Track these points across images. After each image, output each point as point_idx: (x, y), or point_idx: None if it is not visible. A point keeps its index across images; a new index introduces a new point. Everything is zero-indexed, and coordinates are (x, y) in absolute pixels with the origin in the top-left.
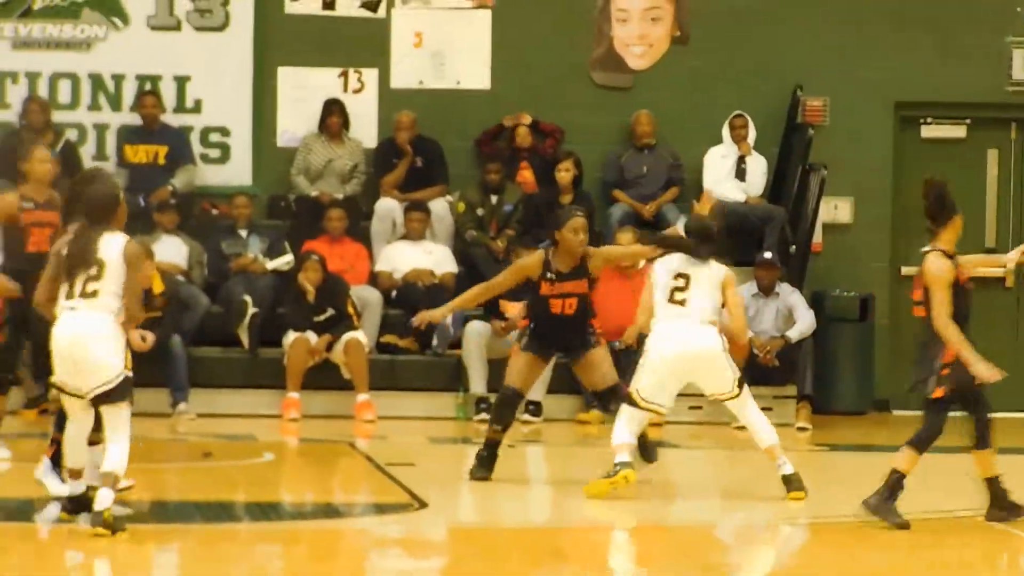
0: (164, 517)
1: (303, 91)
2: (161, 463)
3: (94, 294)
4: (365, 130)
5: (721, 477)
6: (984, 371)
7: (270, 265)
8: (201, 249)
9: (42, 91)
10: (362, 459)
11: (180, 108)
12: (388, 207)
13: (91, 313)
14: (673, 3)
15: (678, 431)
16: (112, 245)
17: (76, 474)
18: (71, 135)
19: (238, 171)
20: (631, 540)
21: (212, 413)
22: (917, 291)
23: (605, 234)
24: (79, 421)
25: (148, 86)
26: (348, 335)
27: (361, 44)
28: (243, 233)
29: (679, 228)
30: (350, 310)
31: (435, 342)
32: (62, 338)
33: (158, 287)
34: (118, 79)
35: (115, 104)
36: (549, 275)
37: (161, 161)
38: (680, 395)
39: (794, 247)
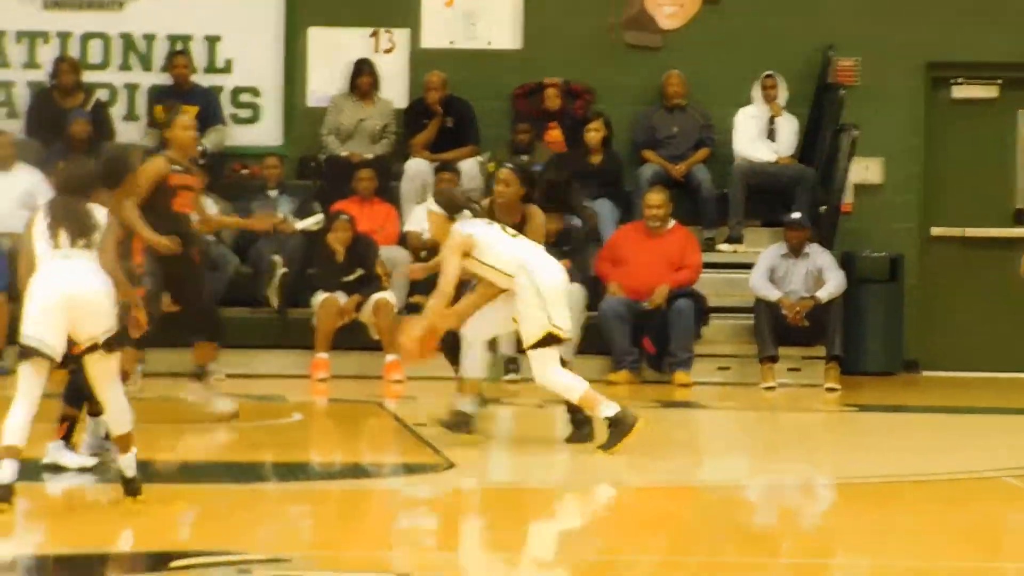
0: (192, 478)
1: (334, 51)
2: (189, 423)
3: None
4: (395, 90)
5: (749, 438)
6: None
7: (299, 225)
8: (231, 209)
9: (73, 51)
10: (391, 419)
11: (211, 68)
12: (418, 167)
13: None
14: None
15: (706, 392)
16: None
17: (14, 452)
18: (102, 95)
19: (268, 131)
20: (660, 500)
21: (241, 374)
22: None
23: (635, 194)
24: (37, 393)
25: (179, 46)
26: (377, 295)
27: (392, 4)
28: (273, 193)
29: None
30: (379, 270)
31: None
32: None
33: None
34: (149, 39)
35: (146, 64)
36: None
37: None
38: (709, 356)
39: (824, 208)
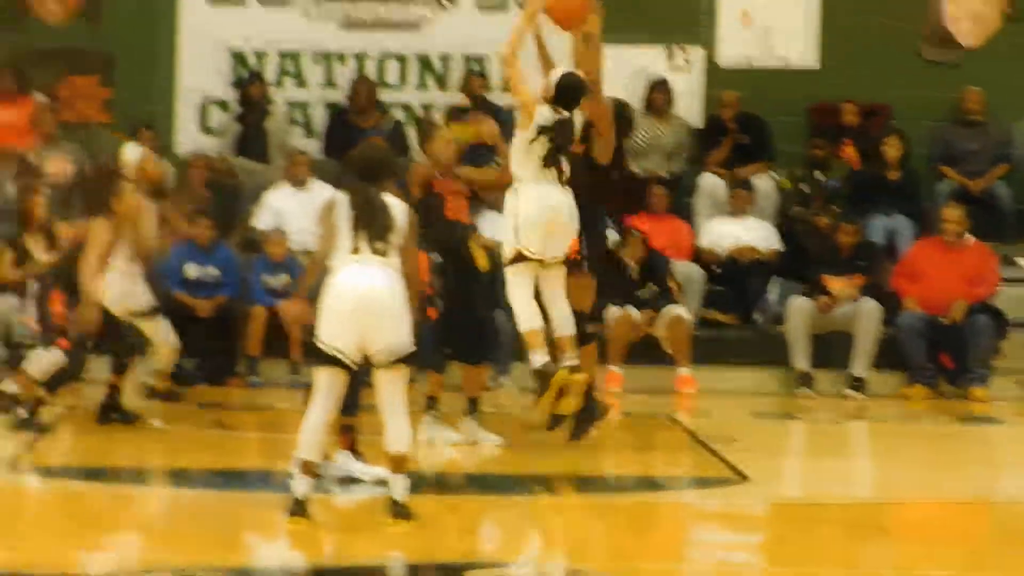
0: (483, 488)
1: (628, 69)
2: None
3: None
4: (690, 108)
5: None
6: None
7: None
8: None
9: (370, 71)
10: (683, 433)
11: (506, 87)
12: (712, 184)
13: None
14: None
15: (1005, 407)
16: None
17: (310, 468)
18: (398, 115)
19: None
20: (955, 516)
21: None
22: None
23: (932, 209)
24: (332, 403)
25: (475, 65)
26: (670, 310)
27: (688, 22)
28: None
29: None
30: (672, 285)
31: (758, 317)
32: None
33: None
34: (445, 59)
35: (442, 84)
36: None
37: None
38: (1007, 371)
39: None
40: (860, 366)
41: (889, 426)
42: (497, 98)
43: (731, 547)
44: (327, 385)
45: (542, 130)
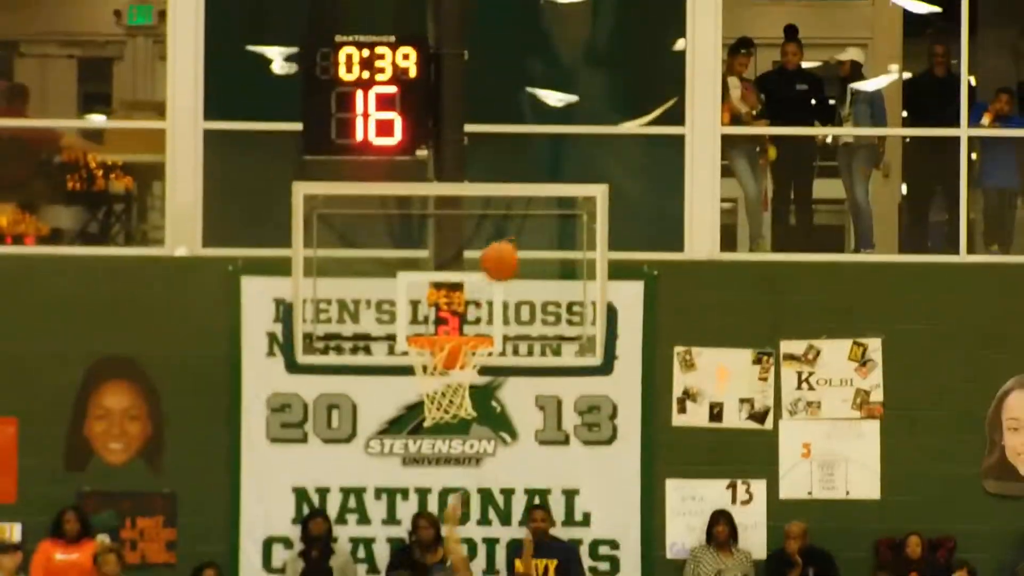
0: None
1: (691, 502)
2: None
3: None
4: (754, 541)
5: None
6: None
7: None
8: None
9: (431, 507)
10: None
11: (569, 521)
12: None
13: None
14: None
15: None
16: None
17: None
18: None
19: None
20: None
21: None
22: None
23: None
24: None
25: (537, 500)
26: None
27: (749, 455)
28: None
29: None
30: None
31: None
32: None
33: None
34: (507, 493)
35: (504, 519)
36: None
37: (551, 575)
38: None
39: None
40: None
41: None
42: (560, 532)
43: None
44: None
45: None
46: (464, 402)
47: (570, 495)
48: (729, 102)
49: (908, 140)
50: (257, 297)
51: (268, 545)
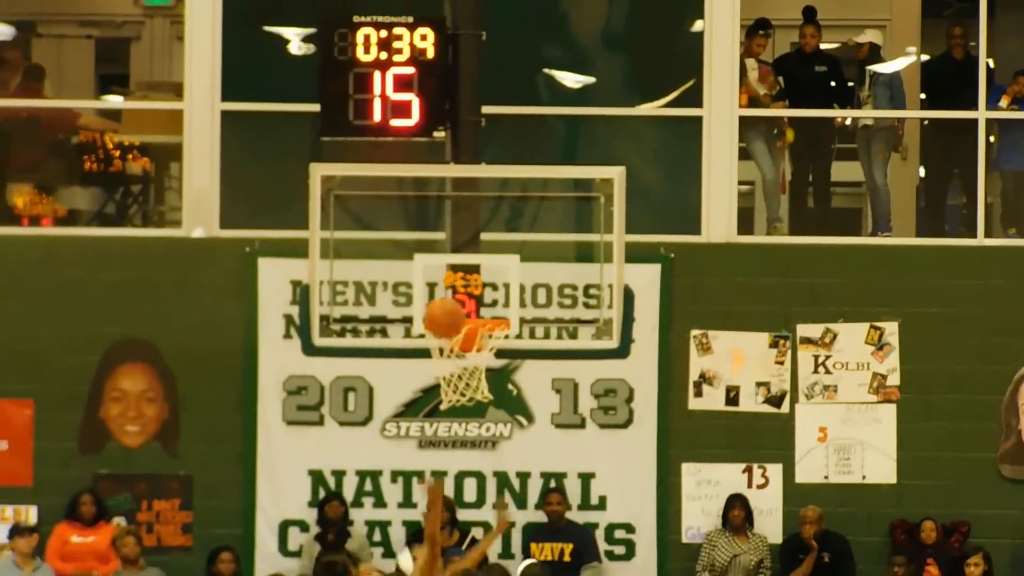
0: None
1: (707, 486)
2: None
3: None
4: (770, 525)
5: None
6: None
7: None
8: None
9: (447, 490)
10: None
11: (585, 505)
12: None
13: None
14: None
15: None
16: None
17: None
18: (477, 535)
19: (643, 568)
20: None
21: None
22: None
23: None
24: None
25: (553, 483)
26: None
27: (765, 439)
28: None
29: None
30: None
31: None
32: None
33: None
34: (523, 476)
35: (520, 502)
36: None
37: (567, 558)
38: None
39: None
40: None
41: None
42: (575, 516)
43: None
44: None
45: None
46: (480, 385)
47: (586, 479)
48: (747, 84)
49: (926, 123)
50: (274, 279)
51: (284, 528)
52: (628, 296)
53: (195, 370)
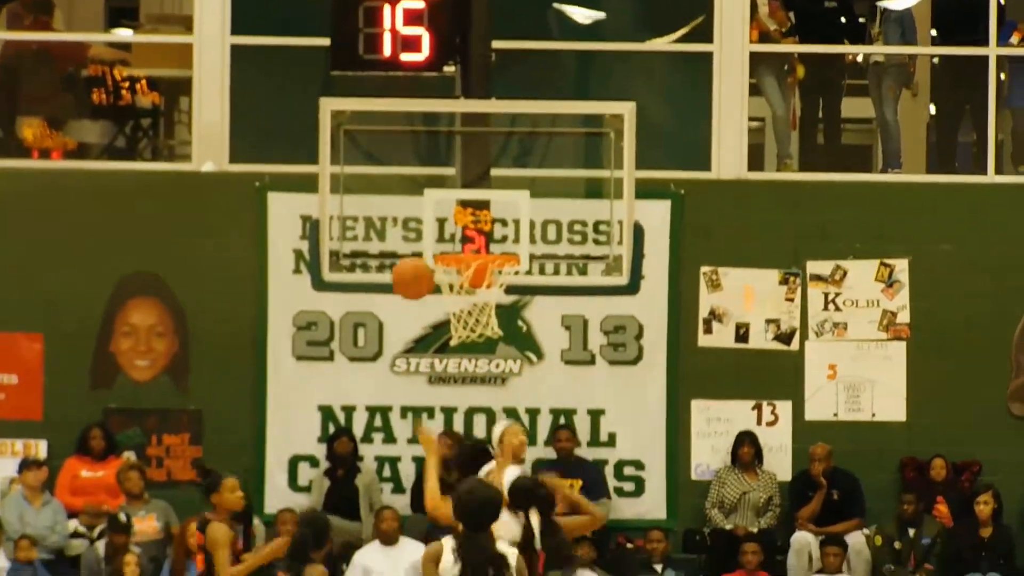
0: None
1: (716, 424)
2: None
3: None
4: (779, 463)
5: None
6: None
7: None
8: None
9: (457, 426)
10: None
11: (594, 442)
12: (804, 540)
13: None
14: None
15: None
16: None
17: None
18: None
19: (652, 505)
20: None
21: None
22: None
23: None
24: None
25: (562, 420)
26: None
27: (774, 376)
28: (658, 567)
29: None
30: None
31: None
32: None
33: None
34: (532, 413)
35: (530, 438)
36: None
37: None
38: None
39: None
40: None
41: None
42: (585, 452)
43: None
44: None
45: None
46: (490, 321)
47: (595, 415)
48: (757, 19)
49: (936, 60)
50: (284, 214)
51: (294, 463)
52: (638, 232)
53: (205, 304)
